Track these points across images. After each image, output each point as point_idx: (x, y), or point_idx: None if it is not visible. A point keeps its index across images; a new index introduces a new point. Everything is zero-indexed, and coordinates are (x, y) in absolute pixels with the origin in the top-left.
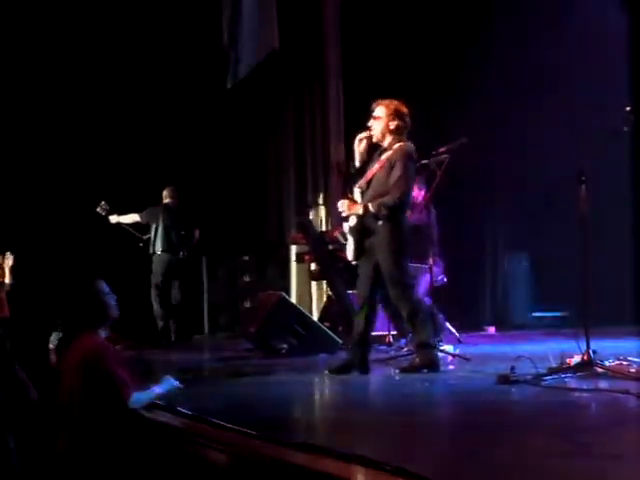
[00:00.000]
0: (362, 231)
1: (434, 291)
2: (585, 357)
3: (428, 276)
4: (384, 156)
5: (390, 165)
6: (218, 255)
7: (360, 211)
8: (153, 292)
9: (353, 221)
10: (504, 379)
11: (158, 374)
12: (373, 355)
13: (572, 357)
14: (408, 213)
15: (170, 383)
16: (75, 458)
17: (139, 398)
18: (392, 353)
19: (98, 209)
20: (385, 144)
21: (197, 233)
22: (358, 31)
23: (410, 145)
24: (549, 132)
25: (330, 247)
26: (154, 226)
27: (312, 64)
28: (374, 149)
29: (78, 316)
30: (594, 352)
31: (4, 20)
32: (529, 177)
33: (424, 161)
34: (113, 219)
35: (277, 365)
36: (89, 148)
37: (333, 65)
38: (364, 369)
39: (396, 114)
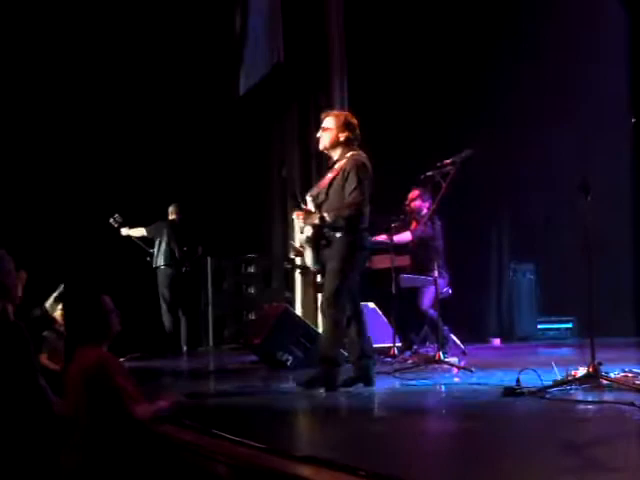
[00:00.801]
0: (319, 241)
1: (439, 303)
2: (590, 369)
3: (433, 288)
4: (337, 166)
5: (345, 174)
6: (223, 267)
7: (317, 221)
8: (162, 305)
9: (309, 231)
10: (509, 391)
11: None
12: (377, 367)
13: (577, 369)
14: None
15: (175, 396)
16: (81, 472)
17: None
18: (397, 365)
19: (111, 220)
20: (335, 156)
21: (200, 250)
22: (363, 43)
23: (362, 154)
24: (554, 142)
25: None
26: (158, 240)
27: (317, 76)
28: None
29: (82, 330)
30: (599, 364)
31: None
32: (534, 188)
33: (429, 173)
34: (124, 231)
35: (282, 377)
36: (94, 162)
37: (338, 77)
38: (369, 382)
39: (346, 125)
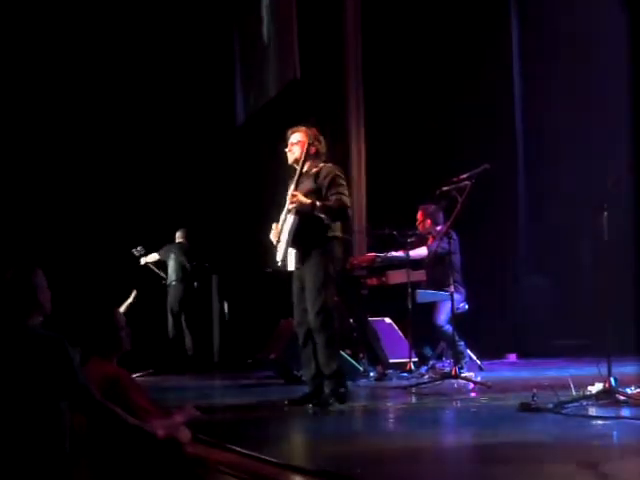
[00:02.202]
0: (298, 235)
1: (455, 318)
2: (607, 385)
3: (449, 303)
4: (309, 175)
5: (324, 178)
6: (236, 283)
7: (308, 201)
8: (170, 320)
9: (293, 220)
10: (525, 407)
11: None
12: (393, 382)
13: (594, 385)
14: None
15: (190, 410)
16: None
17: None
18: (413, 380)
19: (134, 251)
20: (305, 168)
21: (207, 266)
22: (380, 58)
23: (335, 165)
24: (570, 155)
25: (353, 274)
26: (169, 260)
27: (333, 93)
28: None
29: (92, 344)
30: (616, 380)
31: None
32: (551, 203)
33: (445, 188)
34: (143, 261)
35: (297, 392)
36: (100, 186)
37: (354, 93)
38: (322, 403)
39: (316, 139)
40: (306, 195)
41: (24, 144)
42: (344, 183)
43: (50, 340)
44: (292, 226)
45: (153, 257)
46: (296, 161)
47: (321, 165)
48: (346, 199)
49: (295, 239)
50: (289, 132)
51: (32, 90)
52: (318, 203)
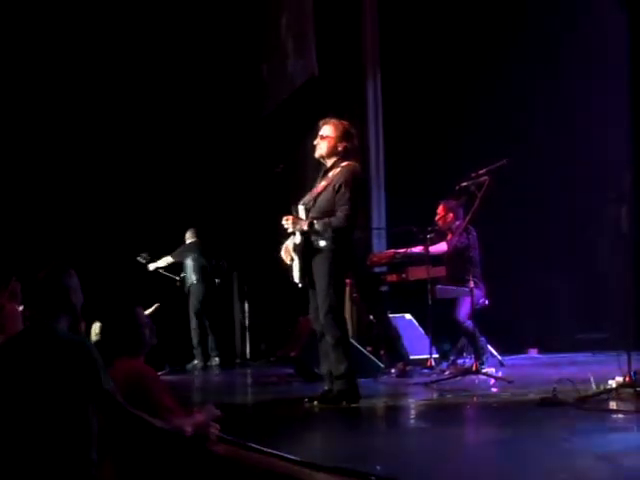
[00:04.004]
0: (307, 250)
1: (476, 313)
2: (627, 379)
3: (469, 299)
4: (330, 174)
5: (336, 184)
6: (256, 280)
7: (305, 227)
8: (193, 320)
9: (298, 239)
10: (546, 401)
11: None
12: (414, 378)
13: (614, 379)
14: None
15: (212, 409)
16: None
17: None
18: (434, 377)
19: (139, 258)
20: (329, 164)
21: (225, 264)
22: (397, 54)
23: (357, 165)
24: (586, 152)
25: (374, 270)
26: (188, 260)
27: (351, 89)
28: (317, 165)
29: (116, 344)
30: (636, 374)
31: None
32: (570, 197)
33: (464, 183)
34: (152, 267)
35: (317, 389)
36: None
37: (372, 91)
38: (335, 399)
39: (345, 135)
40: (319, 194)
41: (39, 147)
42: (354, 190)
43: (77, 344)
44: (299, 246)
45: (166, 260)
46: (321, 156)
47: (343, 165)
48: (349, 212)
49: (306, 257)
50: (321, 122)
51: (46, 92)
52: (315, 223)
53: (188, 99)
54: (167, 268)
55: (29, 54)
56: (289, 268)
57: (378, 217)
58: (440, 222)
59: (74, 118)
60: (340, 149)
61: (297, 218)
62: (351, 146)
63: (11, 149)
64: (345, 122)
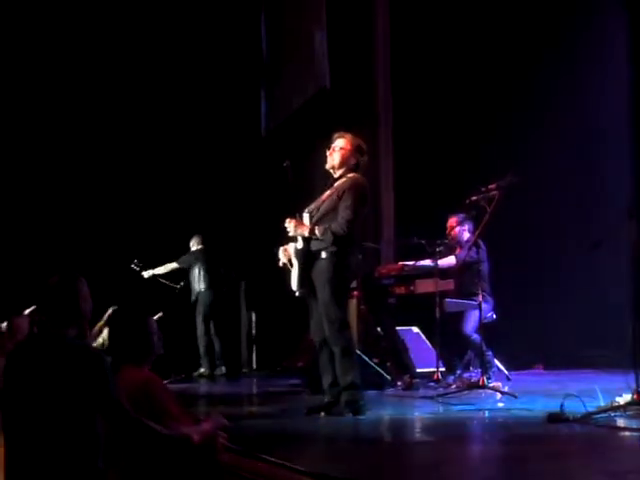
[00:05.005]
0: (307, 256)
1: (483, 328)
2: (635, 396)
3: (477, 312)
4: (336, 184)
5: (340, 192)
6: (263, 290)
7: (306, 232)
8: (200, 328)
9: (300, 244)
10: (554, 417)
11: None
12: (421, 392)
13: (622, 396)
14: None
15: (219, 418)
16: None
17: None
18: (440, 390)
19: (132, 266)
20: (337, 175)
21: (233, 273)
22: (409, 68)
23: (364, 178)
24: (596, 167)
25: (382, 282)
26: (195, 268)
27: (362, 102)
28: (326, 176)
29: (125, 351)
30: None
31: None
32: (577, 213)
33: (474, 197)
34: (147, 274)
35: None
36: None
37: (383, 104)
38: (339, 411)
39: (358, 150)
40: (324, 201)
41: (48, 158)
42: (357, 197)
43: (86, 352)
44: (300, 252)
45: (167, 267)
46: (333, 167)
47: (350, 175)
48: (350, 216)
49: (306, 265)
50: (335, 135)
51: (54, 103)
52: (316, 229)
53: (198, 108)
54: (167, 276)
55: (31, 65)
56: (287, 273)
57: (387, 230)
58: (451, 235)
59: (82, 128)
60: (352, 162)
61: (299, 222)
62: (362, 162)
63: (20, 160)
64: (359, 138)
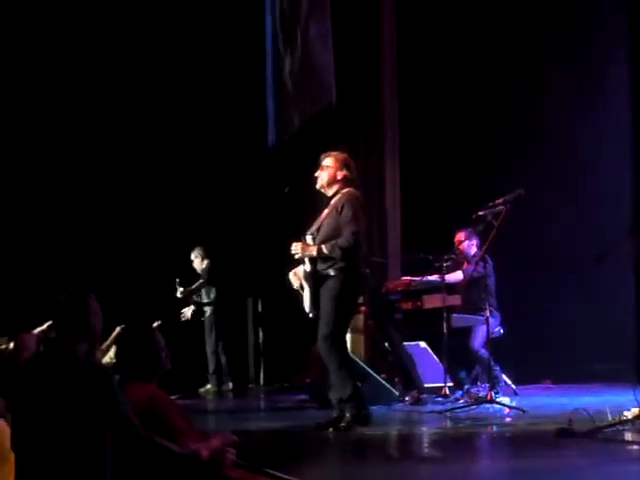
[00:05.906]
0: (316, 277)
1: (490, 343)
2: None
3: (484, 327)
4: (332, 201)
5: (339, 207)
6: (270, 306)
7: (314, 253)
8: (210, 346)
9: (308, 267)
10: (562, 432)
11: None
12: (428, 407)
13: (630, 410)
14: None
15: (227, 434)
16: None
17: None
18: (448, 405)
19: (177, 286)
20: (330, 193)
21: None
22: (415, 84)
23: (356, 190)
24: (604, 181)
25: (389, 297)
26: (203, 280)
27: (368, 118)
28: (321, 197)
29: (132, 367)
30: None
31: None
32: (586, 227)
33: (480, 212)
34: (179, 294)
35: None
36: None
37: (389, 119)
38: (346, 425)
39: (345, 164)
40: (324, 220)
41: (55, 172)
42: (356, 209)
43: (95, 369)
44: (309, 274)
45: (196, 285)
46: (322, 187)
47: (344, 191)
48: (354, 228)
49: (316, 286)
50: (322, 156)
51: (60, 112)
52: (323, 247)
53: (203, 125)
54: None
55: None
56: (300, 295)
57: (394, 245)
58: (458, 250)
59: (91, 144)
60: (340, 177)
61: (306, 244)
62: (351, 175)
63: (30, 177)
64: (345, 154)
